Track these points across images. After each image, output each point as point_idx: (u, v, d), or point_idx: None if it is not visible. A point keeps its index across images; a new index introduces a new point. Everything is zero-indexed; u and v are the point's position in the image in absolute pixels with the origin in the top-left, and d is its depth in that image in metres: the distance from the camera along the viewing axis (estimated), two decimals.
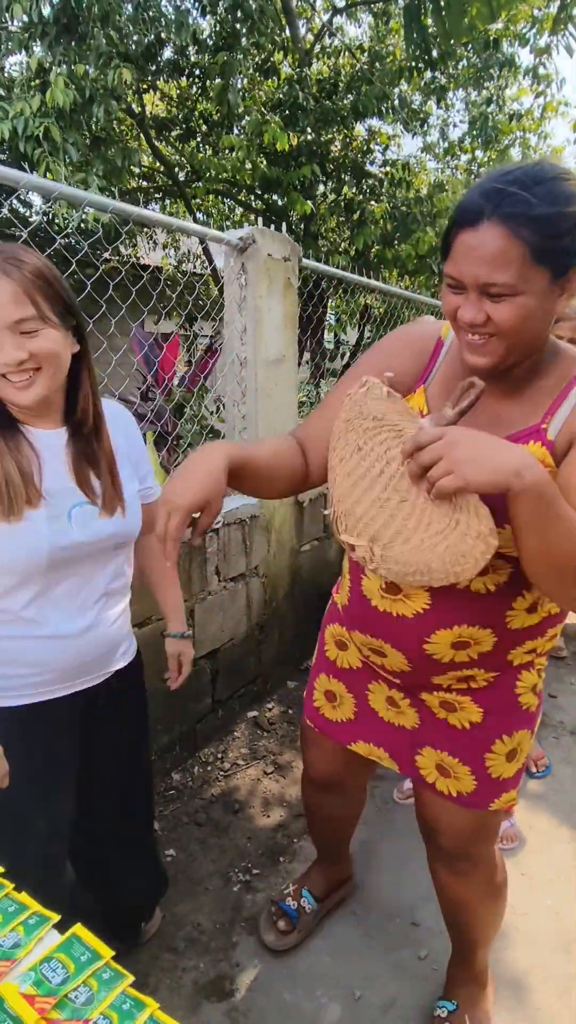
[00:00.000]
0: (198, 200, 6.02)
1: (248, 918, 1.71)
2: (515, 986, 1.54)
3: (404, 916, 1.72)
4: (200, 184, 4.43)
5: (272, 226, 2.17)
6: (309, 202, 3.83)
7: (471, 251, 0.85)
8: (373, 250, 4.03)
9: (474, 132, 4.50)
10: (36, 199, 6.92)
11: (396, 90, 3.84)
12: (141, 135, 5.01)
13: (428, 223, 4.09)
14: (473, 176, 5.73)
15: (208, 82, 5.43)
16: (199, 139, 5.77)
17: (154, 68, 3.99)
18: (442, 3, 3.18)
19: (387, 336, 1.12)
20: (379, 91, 3.60)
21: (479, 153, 5.60)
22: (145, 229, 6.56)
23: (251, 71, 3.95)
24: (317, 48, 4.91)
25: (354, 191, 4.12)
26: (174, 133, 5.88)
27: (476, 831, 1.24)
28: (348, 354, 5.39)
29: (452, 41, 3.54)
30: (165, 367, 2.56)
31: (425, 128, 5.32)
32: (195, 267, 7.89)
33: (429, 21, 3.42)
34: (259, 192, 4.42)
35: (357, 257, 4.22)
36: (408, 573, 0.90)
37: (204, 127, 5.83)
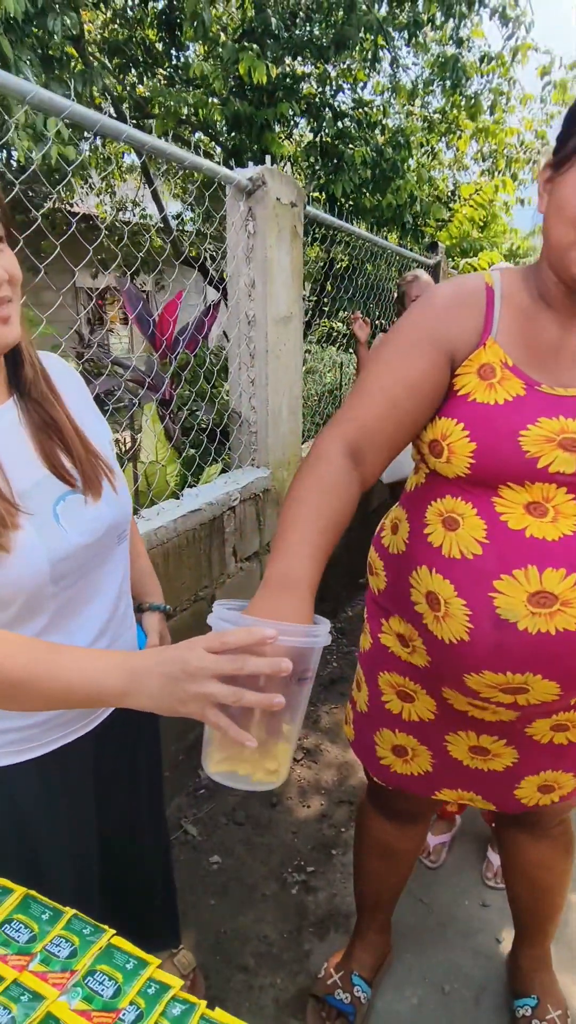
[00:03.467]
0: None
1: (315, 922, 1.61)
2: None
3: (472, 898, 1.68)
4: (153, 121, 3.98)
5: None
6: (287, 143, 3.52)
7: None
8: (352, 197, 3.77)
9: (444, 74, 4.26)
10: None
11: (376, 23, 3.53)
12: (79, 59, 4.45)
13: (406, 171, 3.85)
14: (429, 123, 5.49)
15: (150, 3, 4.88)
16: (141, 69, 5.22)
17: None
18: None
19: (434, 298, 0.93)
20: (367, 21, 3.28)
21: (438, 100, 5.36)
22: (83, 172, 5.97)
23: None
24: None
25: (332, 133, 3.80)
26: (114, 61, 5.29)
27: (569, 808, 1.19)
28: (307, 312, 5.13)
29: None
30: (164, 329, 2.28)
31: (379, 69, 5.02)
32: (134, 215, 7.32)
33: None
34: (223, 132, 4.03)
35: (329, 205, 3.96)
36: None
37: (144, 56, 5.27)
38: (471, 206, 5.12)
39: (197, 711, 0.62)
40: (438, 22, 4.71)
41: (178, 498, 1.99)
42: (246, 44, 3.17)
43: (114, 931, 0.67)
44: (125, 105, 4.85)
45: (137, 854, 1.17)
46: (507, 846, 1.32)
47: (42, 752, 0.91)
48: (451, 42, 4.79)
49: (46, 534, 0.79)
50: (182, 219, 6.19)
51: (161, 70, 5.18)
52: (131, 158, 6.97)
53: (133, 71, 5.33)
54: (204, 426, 2.29)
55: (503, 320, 0.88)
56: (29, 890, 0.71)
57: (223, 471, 2.33)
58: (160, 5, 4.90)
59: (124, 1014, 0.59)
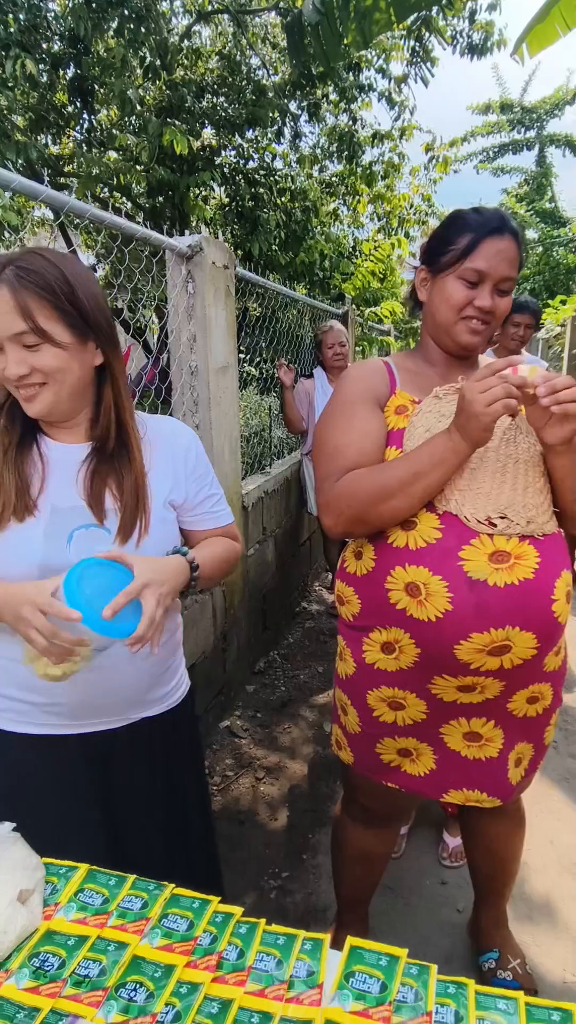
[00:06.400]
0: None
1: (296, 920, 1.73)
2: (539, 913, 1.75)
3: (432, 877, 1.86)
4: (74, 183, 4.15)
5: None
6: (207, 207, 3.81)
7: (501, 252, 1.12)
8: (269, 255, 4.11)
9: (342, 148, 4.78)
10: None
11: (292, 104, 3.97)
12: None
13: (316, 232, 4.25)
14: (330, 188, 6.04)
15: (60, 71, 5.10)
16: (54, 132, 5.40)
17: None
18: (319, 28, 3.35)
19: (351, 378, 1.25)
20: (278, 105, 3.68)
21: (337, 166, 5.93)
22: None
23: (136, 70, 3.80)
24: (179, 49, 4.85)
25: (247, 199, 4.15)
26: (20, 121, 5.44)
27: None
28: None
29: (330, 63, 3.73)
30: None
31: (282, 141, 5.49)
32: None
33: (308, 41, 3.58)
34: (142, 196, 4.27)
35: (246, 262, 4.28)
36: (545, 519, 1.09)
37: (56, 119, 5.46)
38: (372, 261, 5.65)
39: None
40: (332, 98, 5.29)
41: None
42: (168, 120, 3.45)
43: (174, 884, 0.80)
44: (38, 165, 5.00)
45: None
46: (472, 826, 1.50)
47: (37, 732, 1.04)
48: (344, 115, 5.37)
49: (51, 545, 0.96)
50: (95, 270, 6.34)
51: (73, 131, 5.40)
52: (40, 212, 7.06)
53: (44, 131, 5.51)
54: None
55: (401, 378, 1.24)
56: (91, 865, 0.83)
57: None
58: (71, 72, 5.14)
59: (201, 940, 0.73)
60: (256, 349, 4.19)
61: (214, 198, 4.68)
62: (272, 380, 3.99)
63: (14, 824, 0.84)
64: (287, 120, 4.00)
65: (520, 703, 1.19)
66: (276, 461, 3.84)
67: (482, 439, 1.02)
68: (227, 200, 4.43)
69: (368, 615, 1.19)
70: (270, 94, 3.72)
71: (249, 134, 4.27)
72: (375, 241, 6.05)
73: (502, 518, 1.07)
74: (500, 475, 1.09)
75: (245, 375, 5.00)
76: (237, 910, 0.76)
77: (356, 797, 1.41)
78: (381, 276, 6.23)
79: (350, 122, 4.70)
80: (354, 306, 5.72)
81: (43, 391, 0.94)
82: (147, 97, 3.98)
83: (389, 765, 1.27)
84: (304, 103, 4.23)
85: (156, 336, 3.68)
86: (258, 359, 4.63)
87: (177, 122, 3.44)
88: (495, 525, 1.07)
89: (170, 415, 2.48)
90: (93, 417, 1.02)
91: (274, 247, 4.24)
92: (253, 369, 4.95)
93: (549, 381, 0.97)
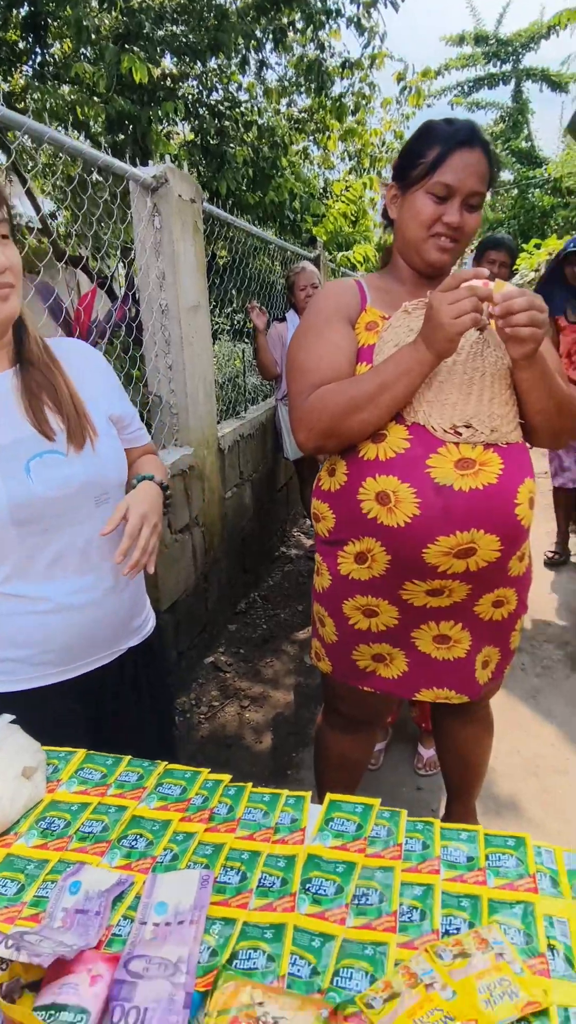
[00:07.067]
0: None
1: None
2: (506, 809, 1.90)
3: (409, 785, 2.00)
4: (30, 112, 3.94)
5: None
6: (171, 143, 3.65)
7: (469, 165, 1.12)
8: (238, 195, 3.99)
9: (310, 78, 4.60)
10: None
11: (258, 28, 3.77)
12: None
13: (285, 172, 4.12)
14: (299, 123, 5.82)
15: (14, 11, 4.78)
16: (5, 68, 5.09)
17: None
18: None
19: (323, 295, 1.28)
20: (241, 29, 3.50)
21: (305, 100, 5.69)
22: None
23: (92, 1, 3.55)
24: None
25: (212, 133, 3.98)
26: None
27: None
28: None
29: None
30: (85, 318, 2.38)
31: (247, 71, 5.22)
32: None
33: None
34: (102, 132, 4.07)
35: (212, 201, 4.16)
36: (510, 429, 1.14)
37: (9, 55, 5.14)
38: (343, 202, 5.52)
39: None
40: (299, 26, 5.03)
41: None
42: (127, 46, 3.29)
43: (167, 762, 0.87)
44: None
45: None
46: (444, 731, 1.60)
47: (27, 687, 1.01)
48: (311, 44, 5.12)
49: (11, 482, 0.93)
50: (55, 216, 6.09)
51: (24, 67, 5.09)
52: None
53: None
54: None
55: (372, 295, 1.26)
56: (88, 751, 0.89)
57: None
58: (23, 11, 4.82)
59: (194, 800, 0.80)
60: (226, 297, 4.11)
61: (178, 134, 4.49)
62: (244, 328, 3.94)
63: (13, 716, 0.89)
64: (251, 46, 3.82)
65: (486, 607, 1.26)
66: (251, 407, 3.84)
67: (447, 350, 1.05)
68: (192, 136, 4.26)
69: (342, 528, 1.24)
70: (233, 18, 3.55)
71: (212, 63, 4.07)
72: (346, 181, 5.90)
73: (467, 427, 1.12)
74: (467, 387, 1.14)
75: (216, 327, 4.91)
76: (225, 777, 0.84)
77: (335, 704, 1.50)
78: (353, 219, 6.10)
79: (318, 51, 4.50)
80: (326, 251, 5.61)
81: (12, 293, 0.90)
82: (103, 26, 3.76)
83: (365, 671, 1.34)
84: (270, 27, 4.03)
85: (125, 275, 3.59)
86: (229, 309, 4.54)
87: (136, 48, 3.28)
88: (460, 434, 1.12)
89: (141, 356, 2.47)
90: (15, 338, 0.99)
91: (242, 186, 4.11)
92: (224, 321, 4.85)
93: (508, 300, 0.99)
